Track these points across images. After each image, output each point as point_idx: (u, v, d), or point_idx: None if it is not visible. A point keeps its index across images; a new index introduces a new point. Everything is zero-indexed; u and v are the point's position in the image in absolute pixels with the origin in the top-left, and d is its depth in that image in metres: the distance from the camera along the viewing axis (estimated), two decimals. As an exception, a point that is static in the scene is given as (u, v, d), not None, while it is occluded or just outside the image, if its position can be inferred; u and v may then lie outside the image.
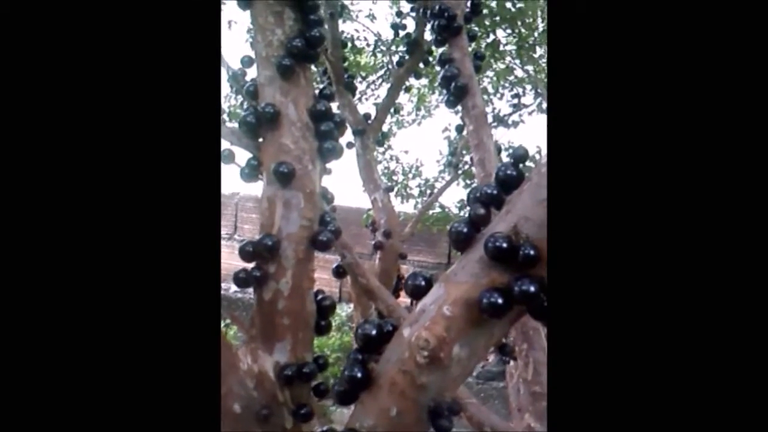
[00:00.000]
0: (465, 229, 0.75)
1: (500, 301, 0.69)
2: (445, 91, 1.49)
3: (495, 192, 0.76)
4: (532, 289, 0.68)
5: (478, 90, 1.50)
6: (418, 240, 4.85)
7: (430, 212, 3.96)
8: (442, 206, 4.19)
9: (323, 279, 1.12)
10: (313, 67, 1.18)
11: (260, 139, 1.14)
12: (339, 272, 1.45)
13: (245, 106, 1.14)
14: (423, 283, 0.79)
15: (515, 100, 3.80)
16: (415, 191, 4.33)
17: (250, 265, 1.10)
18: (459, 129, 1.51)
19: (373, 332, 0.79)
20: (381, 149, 4.19)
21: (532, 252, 0.68)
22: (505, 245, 0.69)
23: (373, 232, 2.60)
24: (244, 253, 1.08)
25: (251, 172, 1.16)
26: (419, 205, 3.91)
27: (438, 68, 1.58)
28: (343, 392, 0.78)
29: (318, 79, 2.65)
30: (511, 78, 3.92)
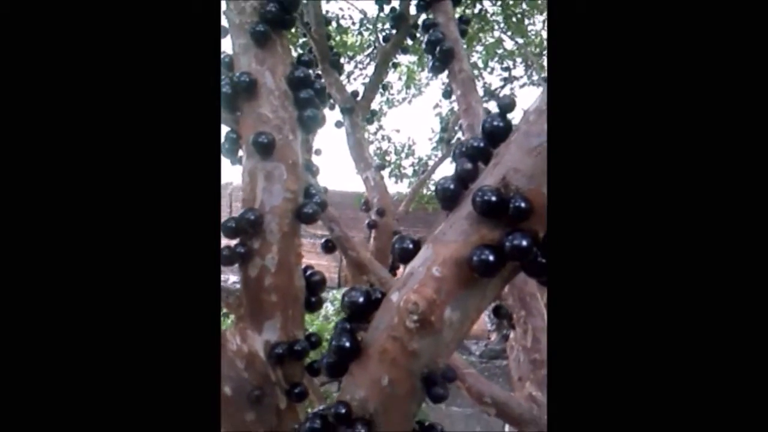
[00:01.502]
0: (452, 186, 0.71)
1: (492, 258, 0.65)
2: (431, 59, 1.45)
3: (482, 145, 0.71)
4: (525, 243, 0.64)
5: (465, 54, 1.45)
6: (414, 219, 4.81)
7: (425, 191, 3.92)
8: (436, 184, 4.10)
9: (322, 265, 1.09)
10: (299, 48, 1.14)
11: (238, 113, 1.09)
12: (328, 247, 1.40)
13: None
14: (411, 246, 0.75)
15: (505, 74, 3.75)
16: (409, 170, 4.29)
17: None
18: (446, 94, 1.47)
19: (361, 299, 0.74)
20: (372, 129, 4.15)
21: (523, 204, 0.64)
22: (494, 198, 0.65)
23: (367, 211, 2.56)
24: (227, 230, 1.03)
25: (231, 147, 1.12)
26: (414, 185, 3.86)
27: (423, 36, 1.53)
28: (332, 364, 0.74)
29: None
30: (501, 51, 3.87)
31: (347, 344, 0.72)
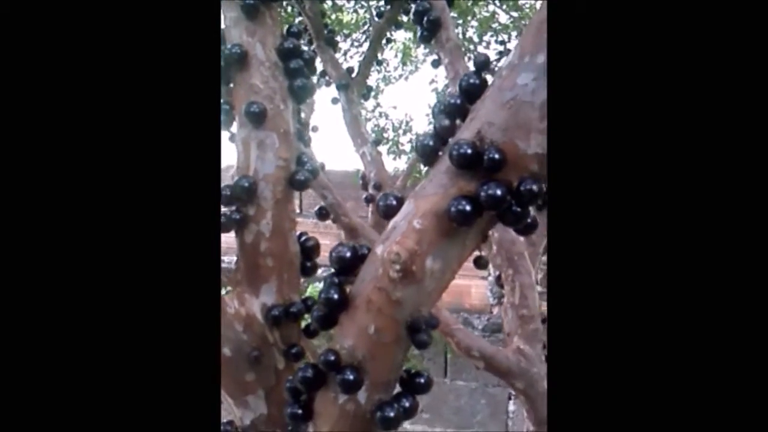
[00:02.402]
0: (430, 142, 0.74)
1: (468, 207, 0.68)
2: (419, 29, 1.47)
3: (459, 102, 0.75)
4: (499, 192, 0.67)
5: (452, 23, 1.48)
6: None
7: (423, 167, 3.94)
8: (415, 141, 4.11)
9: (324, 245, 1.12)
10: (294, 26, 1.16)
11: (230, 85, 1.12)
12: (322, 214, 1.44)
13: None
14: (395, 202, 0.78)
15: (501, 47, 3.76)
16: (407, 147, 4.31)
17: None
18: (435, 64, 1.49)
19: (348, 254, 0.78)
20: (370, 107, 4.16)
21: (497, 156, 0.67)
22: (469, 151, 0.68)
23: (365, 186, 2.59)
24: (222, 197, 1.07)
25: (225, 118, 1.15)
26: (411, 160, 3.88)
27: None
28: (322, 316, 0.78)
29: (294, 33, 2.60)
30: (495, 25, 3.88)
31: (335, 296, 0.76)
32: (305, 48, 1.14)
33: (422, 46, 4.33)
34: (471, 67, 1.54)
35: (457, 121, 0.76)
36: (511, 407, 4.68)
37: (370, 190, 2.54)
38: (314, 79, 1.23)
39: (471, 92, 0.75)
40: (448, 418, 4.64)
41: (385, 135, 4.26)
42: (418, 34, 1.47)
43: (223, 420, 1.12)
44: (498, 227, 1.47)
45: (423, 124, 4.39)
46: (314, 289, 3.95)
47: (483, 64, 0.76)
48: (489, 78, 0.76)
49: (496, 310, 5.25)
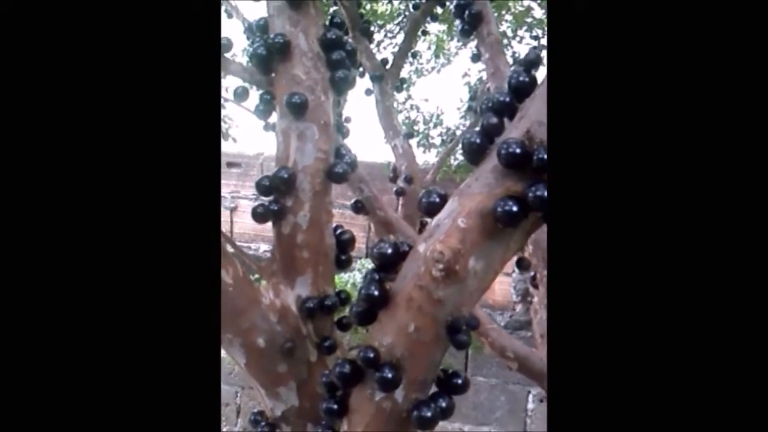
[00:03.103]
0: (477, 140, 0.73)
1: (515, 208, 0.67)
2: (459, 23, 1.46)
3: (507, 99, 0.73)
4: (547, 194, 0.66)
5: (493, 17, 1.46)
6: (441, 188, 4.78)
7: (453, 161, 3.92)
8: (462, 139, 4.07)
9: None
10: (329, 16, 1.15)
11: (272, 75, 1.12)
12: (358, 207, 1.44)
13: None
14: (438, 199, 0.77)
15: (534, 42, 3.72)
16: (437, 140, 4.28)
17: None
18: (475, 58, 1.48)
19: (389, 251, 0.77)
20: (401, 99, 4.14)
21: (546, 156, 0.66)
22: (518, 150, 0.67)
23: (395, 179, 2.59)
24: (261, 187, 1.07)
25: (265, 108, 1.15)
26: (441, 154, 3.87)
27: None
28: (362, 312, 0.78)
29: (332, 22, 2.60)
30: (530, 20, 3.83)
31: (376, 293, 0.76)
32: (347, 39, 1.14)
33: (455, 38, 4.31)
34: (511, 62, 1.53)
35: (505, 120, 0.74)
36: (531, 405, 4.66)
37: (401, 183, 2.53)
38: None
39: (520, 90, 0.73)
40: (466, 414, 4.63)
41: (416, 128, 4.24)
42: (459, 27, 1.45)
43: (254, 410, 1.13)
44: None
45: (454, 118, 4.35)
46: (340, 280, 3.96)
47: (533, 63, 0.75)
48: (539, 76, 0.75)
49: (519, 307, 5.22)
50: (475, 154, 0.74)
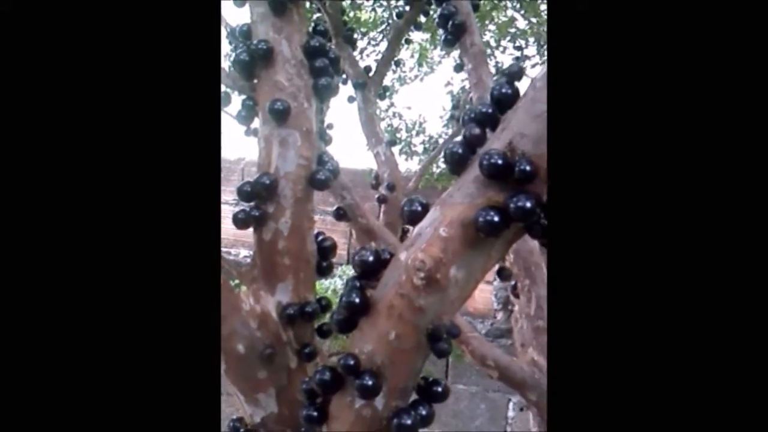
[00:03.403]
0: (459, 150, 0.74)
1: (496, 219, 0.68)
2: (442, 33, 1.47)
3: (490, 111, 0.74)
4: (528, 205, 0.67)
5: (476, 28, 1.47)
6: (423, 197, 4.78)
7: (435, 169, 3.94)
8: (444, 149, 4.09)
9: None
10: (312, 22, 1.15)
11: (255, 81, 1.12)
12: (340, 214, 1.44)
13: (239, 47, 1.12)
14: (420, 208, 0.78)
15: (518, 53, 3.75)
16: (420, 148, 4.30)
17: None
18: (458, 68, 1.49)
19: (371, 258, 0.78)
20: (384, 106, 4.15)
21: (527, 168, 0.67)
22: (500, 162, 0.68)
23: (377, 186, 2.59)
24: (242, 193, 1.07)
25: (248, 114, 1.15)
26: (424, 162, 3.88)
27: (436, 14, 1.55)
28: (342, 320, 0.78)
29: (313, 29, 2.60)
30: (513, 30, 3.86)
31: (357, 300, 0.76)
32: (331, 47, 1.14)
33: (438, 47, 4.33)
34: (494, 73, 1.54)
35: (487, 131, 0.75)
36: (511, 413, 4.67)
37: (383, 191, 2.53)
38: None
39: (503, 101, 0.74)
40: (446, 422, 4.63)
41: (398, 135, 4.25)
42: (442, 37, 1.46)
43: (233, 417, 1.12)
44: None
45: (437, 126, 4.37)
46: (320, 287, 3.95)
47: (515, 75, 0.76)
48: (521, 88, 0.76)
49: (500, 315, 5.24)
50: (457, 165, 0.74)
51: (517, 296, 1.39)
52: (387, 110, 4.24)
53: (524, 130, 0.69)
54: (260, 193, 1.06)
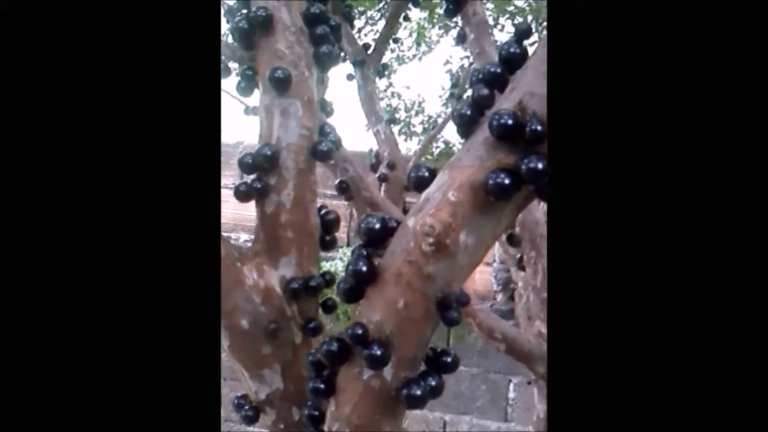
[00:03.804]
0: (468, 111, 0.72)
1: (507, 181, 0.66)
2: (444, 2, 1.44)
3: (499, 71, 0.72)
4: (540, 166, 0.64)
5: (479, -3, 1.44)
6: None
7: (435, 149, 3.92)
8: (446, 142, 4.13)
9: None
10: None
11: (254, 50, 1.09)
12: (342, 188, 1.42)
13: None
14: (427, 173, 0.75)
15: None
16: (419, 128, 4.28)
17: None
18: (460, 39, 1.46)
19: (377, 226, 0.76)
20: (382, 86, 4.12)
21: (539, 128, 0.65)
22: (510, 122, 0.66)
23: (377, 166, 2.57)
24: (243, 165, 1.05)
25: (247, 84, 1.13)
26: (423, 141, 3.86)
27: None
28: (349, 289, 0.76)
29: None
30: (512, 8, 3.82)
31: (364, 268, 0.74)
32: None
33: (436, 26, 4.29)
34: (497, 43, 1.51)
35: (496, 92, 0.73)
36: (512, 394, 4.68)
37: (383, 169, 2.51)
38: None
39: (511, 61, 0.72)
40: (447, 404, 4.63)
41: (397, 116, 4.22)
42: (443, 7, 1.43)
43: (237, 394, 1.11)
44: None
45: (436, 106, 4.35)
46: (321, 268, 3.93)
47: (524, 33, 0.73)
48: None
49: (500, 297, 5.23)
50: (466, 126, 0.72)
51: (523, 269, 1.37)
52: (386, 90, 4.22)
53: (534, 89, 0.67)
54: (262, 165, 1.04)
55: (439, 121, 4.07)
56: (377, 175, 2.54)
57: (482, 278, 4.82)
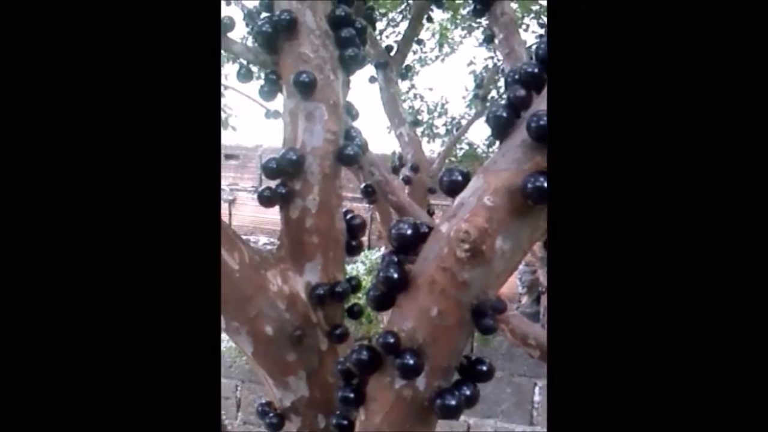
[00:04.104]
0: (504, 114, 0.69)
1: (546, 184, 0.63)
2: (471, 2, 1.41)
3: (536, 71, 0.69)
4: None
5: (506, -4, 1.42)
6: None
7: (459, 151, 3.88)
8: (470, 144, 4.09)
9: None
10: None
11: (278, 54, 1.07)
12: (368, 192, 1.39)
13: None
14: (460, 178, 0.73)
15: (541, 30, 3.67)
16: (442, 130, 4.24)
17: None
18: (488, 39, 1.43)
19: (409, 231, 0.73)
20: (405, 88, 4.10)
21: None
22: (549, 123, 0.63)
23: (400, 168, 2.55)
24: (268, 170, 1.03)
25: (270, 89, 1.11)
26: (447, 143, 3.82)
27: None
28: (380, 296, 0.74)
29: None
30: (536, 7, 3.78)
31: (395, 275, 0.71)
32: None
33: (459, 27, 4.25)
34: (526, 43, 1.48)
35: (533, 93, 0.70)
36: (537, 397, 4.64)
37: (407, 172, 2.49)
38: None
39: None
40: (472, 407, 4.61)
41: (420, 117, 4.19)
42: (470, 7, 1.41)
43: (262, 401, 1.09)
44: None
45: (459, 107, 4.33)
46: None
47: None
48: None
49: (525, 299, 5.19)
50: (502, 129, 0.69)
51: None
52: (408, 92, 4.19)
53: (575, 88, 0.64)
54: (286, 170, 1.02)
55: (463, 122, 4.04)
56: (401, 177, 2.52)
57: (508, 281, 4.79)
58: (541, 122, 0.63)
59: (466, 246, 0.66)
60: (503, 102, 0.70)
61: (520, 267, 4.51)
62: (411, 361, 0.69)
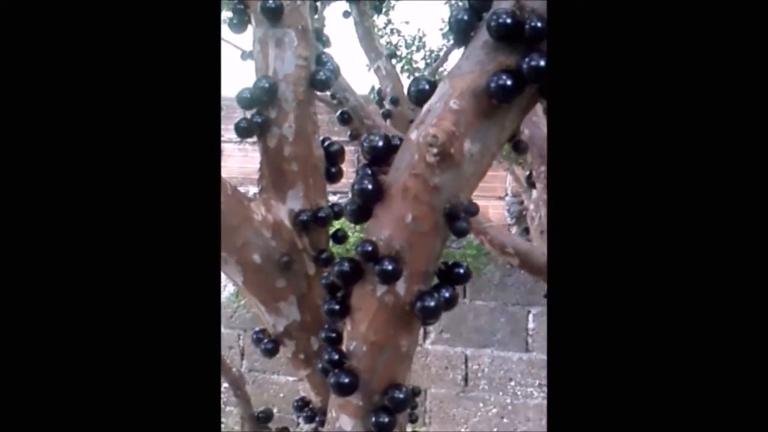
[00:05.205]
0: (465, 16, 0.69)
1: (509, 82, 0.64)
2: None
3: (495, -29, 0.69)
4: (542, 63, 0.63)
5: None
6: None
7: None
8: (449, 17, 4.01)
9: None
10: None
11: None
12: (344, 118, 1.40)
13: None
14: (427, 86, 0.74)
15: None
16: (421, 64, 4.19)
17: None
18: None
19: (380, 143, 0.75)
20: (381, 23, 4.03)
21: (539, 24, 0.63)
22: (509, 20, 0.64)
23: (380, 102, 2.53)
24: (242, 100, 1.03)
25: (240, 19, 1.10)
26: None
27: None
28: (357, 209, 0.75)
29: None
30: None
31: (369, 186, 0.73)
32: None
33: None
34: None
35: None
36: (531, 325, 4.73)
37: (387, 106, 2.48)
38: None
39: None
40: (468, 338, 4.69)
41: (398, 52, 4.13)
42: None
43: (255, 329, 1.12)
44: (528, 123, 1.43)
45: (437, 40, 4.25)
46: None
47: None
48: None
49: (513, 230, 5.23)
50: (464, 33, 0.70)
51: (533, 185, 1.36)
52: (385, 27, 4.12)
53: (532, -15, 0.64)
54: (260, 98, 1.02)
55: (441, 54, 3.99)
56: (381, 111, 2.51)
57: (496, 212, 4.82)
58: (500, 20, 0.64)
59: (435, 150, 0.67)
60: (464, 5, 0.70)
61: (508, 198, 4.53)
62: (389, 267, 0.71)
